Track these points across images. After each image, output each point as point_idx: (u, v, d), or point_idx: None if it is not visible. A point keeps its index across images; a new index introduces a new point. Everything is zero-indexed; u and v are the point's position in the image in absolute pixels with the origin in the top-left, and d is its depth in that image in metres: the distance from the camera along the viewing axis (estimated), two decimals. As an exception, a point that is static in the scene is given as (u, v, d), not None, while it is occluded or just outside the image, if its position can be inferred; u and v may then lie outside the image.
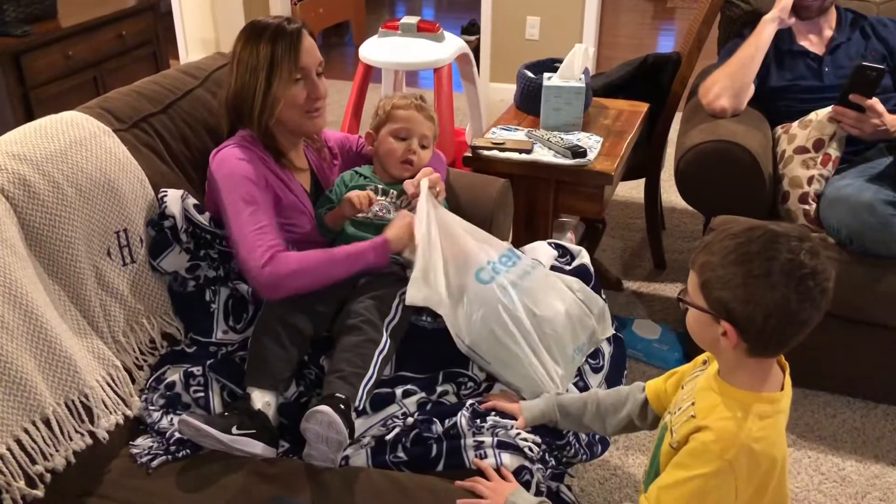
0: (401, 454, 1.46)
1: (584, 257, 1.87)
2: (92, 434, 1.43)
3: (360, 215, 1.80)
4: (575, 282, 1.74)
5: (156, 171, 1.73)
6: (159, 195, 1.69)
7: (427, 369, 1.62)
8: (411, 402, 1.55)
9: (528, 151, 2.28)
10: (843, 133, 2.20)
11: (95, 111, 1.72)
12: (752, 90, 2.39)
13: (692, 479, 1.15)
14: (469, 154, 2.33)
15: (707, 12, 2.65)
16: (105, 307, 1.57)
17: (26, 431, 1.32)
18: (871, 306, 2.11)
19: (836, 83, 2.33)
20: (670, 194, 3.25)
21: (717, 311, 1.13)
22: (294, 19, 1.73)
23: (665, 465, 1.23)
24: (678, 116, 2.72)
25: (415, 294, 1.62)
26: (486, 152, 2.30)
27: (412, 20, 3.04)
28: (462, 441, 1.46)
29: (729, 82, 2.37)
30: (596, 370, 1.74)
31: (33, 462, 1.31)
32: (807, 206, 2.19)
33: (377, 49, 3.02)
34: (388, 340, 1.61)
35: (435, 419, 1.49)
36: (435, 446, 1.46)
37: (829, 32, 2.46)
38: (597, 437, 1.66)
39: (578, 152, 2.23)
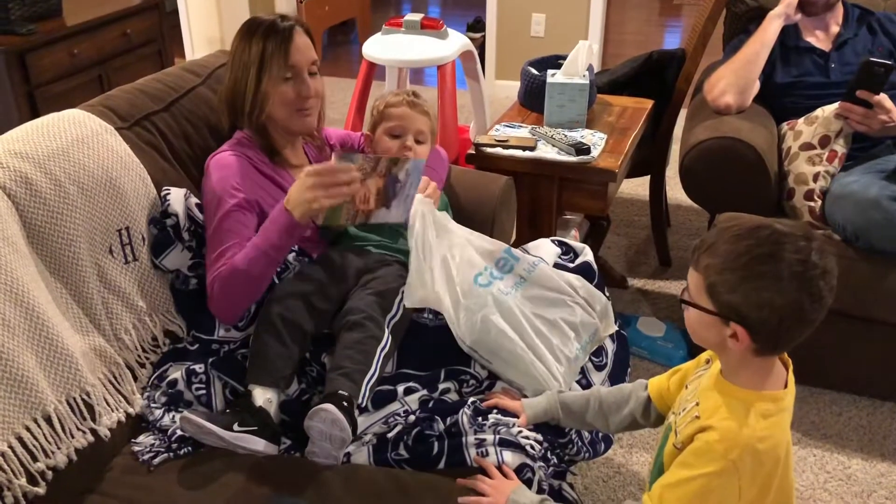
0: (402, 452, 1.46)
1: (587, 255, 1.86)
2: (94, 432, 1.43)
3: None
4: (576, 279, 1.73)
5: (158, 169, 1.73)
6: (162, 193, 1.70)
7: (429, 367, 1.61)
8: (413, 400, 1.55)
9: (532, 148, 2.27)
10: (849, 129, 2.19)
11: (97, 109, 1.72)
12: (757, 87, 2.38)
13: (696, 479, 1.15)
14: (472, 151, 2.32)
15: (712, 8, 2.64)
16: (107, 305, 1.57)
17: (27, 429, 1.32)
18: (876, 304, 2.09)
19: (842, 79, 2.32)
20: (675, 191, 3.24)
21: (726, 314, 1.12)
22: (289, 17, 1.73)
23: (669, 465, 1.22)
24: (683, 113, 2.71)
25: (411, 295, 1.63)
26: (489, 149, 2.29)
27: (416, 17, 3.03)
28: (464, 439, 1.45)
29: (734, 79, 2.35)
30: (599, 368, 1.73)
31: (35, 460, 1.32)
32: (812, 203, 2.17)
33: (380, 46, 3.02)
34: (390, 337, 1.61)
35: (437, 417, 1.49)
36: (436, 444, 1.45)
37: (835, 28, 2.44)
38: (600, 434, 1.65)
39: (582, 149, 2.22)
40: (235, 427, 1.44)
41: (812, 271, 1.08)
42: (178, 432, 1.48)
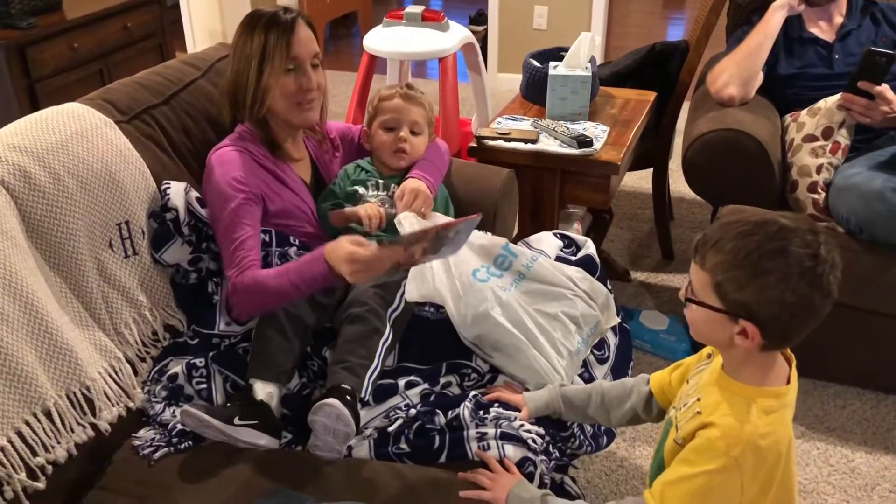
0: (404, 446, 1.46)
1: (589, 248, 1.85)
2: (94, 426, 1.43)
3: (360, 228, 1.81)
4: (577, 272, 1.73)
5: (157, 162, 1.73)
6: (162, 187, 1.69)
7: (430, 360, 1.61)
8: (414, 394, 1.54)
9: (534, 141, 2.26)
10: (852, 121, 2.17)
11: (97, 103, 1.71)
12: (760, 78, 2.36)
13: (697, 476, 1.14)
14: (474, 144, 2.31)
15: (715, 0, 2.62)
16: (107, 299, 1.56)
17: (27, 423, 1.32)
18: (881, 296, 2.08)
19: (846, 70, 2.30)
20: (678, 184, 3.22)
21: (736, 312, 1.10)
22: (292, 9, 1.72)
23: (669, 460, 1.21)
24: (686, 106, 2.70)
25: (412, 291, 1.63)
26: (491, 142, 2.28)
27: (416, 9, 3.01)
28: (465, 432, 1.45)
29: (737, 70, 2.34)
30: (601, 361, 1.72)
31: (34, 454, 1.32)
32: (816, 196, 2.16)
33: (381, 39, 3.00)
34: (392, 330, 1.60)
35: (438, 410, 1.48)
36: (438, 438, 1.45)
37: (839, 19, 2.42)
38: (602, 428, 1.65)
39: (584, 142, 2.21)
40: (236, 421, 1.44)
41: (821, 266, 1.07)
42: (179, 426, 1.47)
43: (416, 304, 1.68)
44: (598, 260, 1.82)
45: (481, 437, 1.43)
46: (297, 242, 1.73)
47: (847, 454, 2.08)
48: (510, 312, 1.60)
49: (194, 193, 1.70)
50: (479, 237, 1.76)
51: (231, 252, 1.63)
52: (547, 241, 1.87)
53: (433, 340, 1.64)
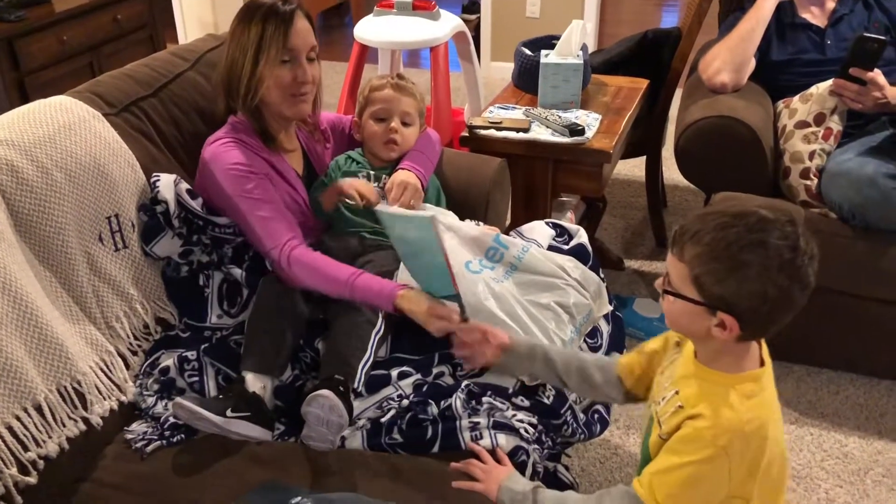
0: (396, 436, 1.46)
1: (581, 237, 1.85)
2: (86, 420, 1.43)
3: (351, 203, 1.80)
4: (568, 260, 1.72)
5: (147, 155, 1.72)
6: (151, 180, 1.68)
7: (423, 350, 1.60)
8: (407, 384, 1.54)
9: (526, 130, 2.26)
10: (844, 107, 2.17)
11: (85, 95, 1.70)
12: (752, 64, 2.36)
13: (685, 466, 1.14)
14: (466, 134, 2.30)
15: (707, -14, 2.61)
16: (97, 293, 1.56)
17: (18, 418, 1.31)
18: (873, 282, 2.09)
19: (838, 56, 2.29)
20: (672, 172, 3.21)
21: (715, 305, 1.10)
22: (291, 0, 1.70)
23: (655, 455, 1.22)
24: (679, 93, 2.69)
25: (405, 280, 1.62)
26: (482, 131, 2.27)
27: (408, -2, 3.00)
28: (458, 423, 1.45)
29: (729, 57, 2.33)
30: (594, 349, 1.72)
31: (26, 449, 1.31)
32: (808, 182, 2.16)
33: (372, 28, 2.99)
34: (384, 321, 1.60)
35: (430, 401, 1.48)
36: (430, 428, 1.45)
37: (831, 4, 2.41)
38: (595, 416, 1.65)
39: (576, 130, 2.20)
40: (229, 413, 1.43)
41: (801, 258, 1.07)
42: (171, 420, 1.47)
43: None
44: (590, 248, 1.82)
45: (474, 427, 1.43)
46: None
47: (840, 439, 2.08)
48: (503, 303, 1.60)
49: (184, 185, 1.68)
50: (470, 228, 1.75)
51: (265, 229, 1.63)
52: (539, 231, 1.86)
53: (425, 331, 1.63)
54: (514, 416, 1.46)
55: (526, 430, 1.44)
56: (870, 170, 1.98)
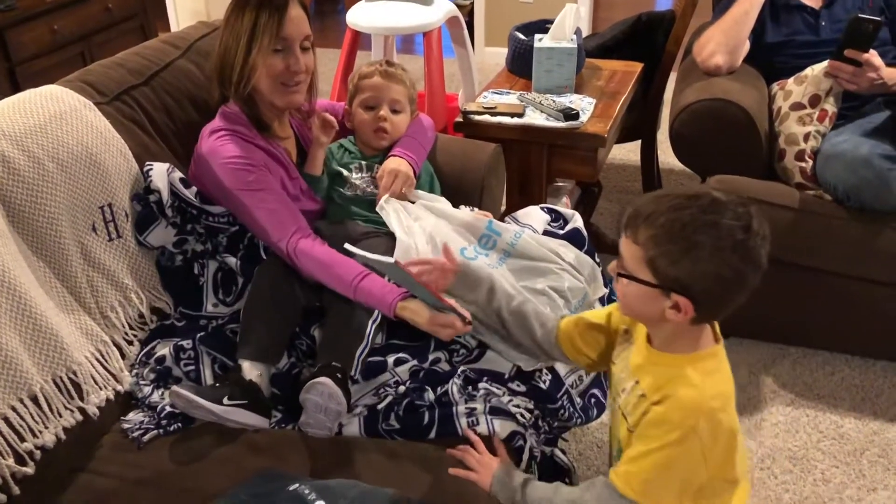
0: (393, 422, 1.46)
1: (577, 221, 1.85)
2: (82, 410, 1.42)
3: (349, 191, 1.81)
4: (562, 245, 1.72)
5: (139, 144, 1.71)
6: (144, 169, 1.67)
7: (419, 337, 1.60)
8: (403, 371, 1.54)
9: (520, 115, 2.25)
10: (839, 88, 2.16)
11: (76, 84, 1.69)
12: (747, 47, 2.35)
13: (657, 451, 1.14)
14: (460, 119, 2.29)
15: (701, -32, 2.60)
16: (92, 283, 1.55)
17: (14, 409, 1.31)
18: (869, 263, 2.09)
19: (832, 37, 2.28)
20: (667, 156, 3.21)
21: (669, 287, 1.10)
22: None
23: (627, 446, 1.21)
24: (674, 76, 2.68)
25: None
26: (477, 117, 2.27)
27: (400, -16, 2.98)
28: (454, 408, 1.45)
29: (723, 39, 2.32)
30: (590, 334, 1.72)
31: (22, 440, 1.31)
32: (803, 164, 2.15)
33: (364, 14, 2.97)
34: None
35: (427, 387, 1.48)
36: (427, 414, 1.45)
37: (825, -15, 2.40)
38: (592, 400, 1.65)
39: (571, 115, 2.20)
40: (225, 401, 1.43)
41: (753, 239, 1.07)
42: (168, 409, 1.47)
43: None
44: (585, 233, 1.82)
45: (470, 413, 1.43)
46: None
47: (836, 420, 2.09)
48: (502, 284, 1.59)
49: (178, 174, 1.68)
50: (463, 214, 1.75)
51: (271, 221, 1.62)
52: (534, 216, 1.86)
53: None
54: (511, 401, 1.46)
55: (522, 416, 1.44)
56: (865, 151, 1.98)
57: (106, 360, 1.51)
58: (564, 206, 2.13)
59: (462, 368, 1.52)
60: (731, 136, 2.18)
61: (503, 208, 2.31)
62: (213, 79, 1.75)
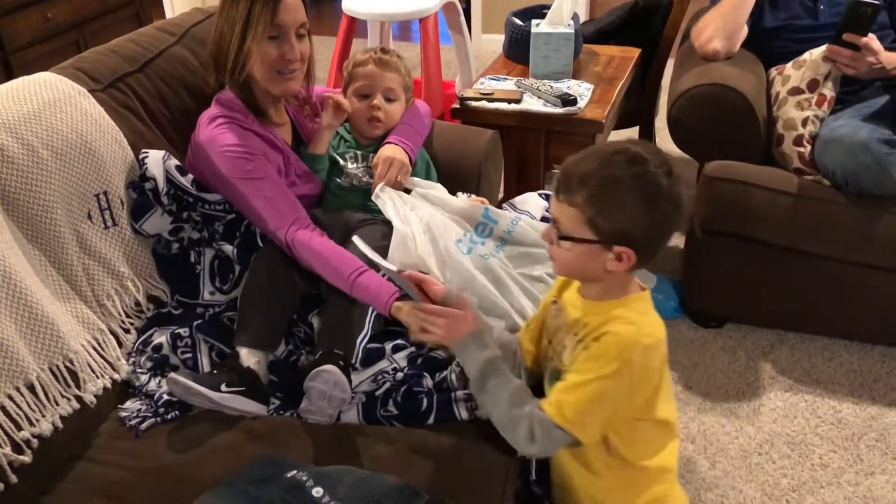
0: (392, 409, 1.46)
1: (574, 207, 1.84)
2: (79, 398, 1.42)
3: (345, 181, 1.80)
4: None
5: (134, 131, 1.69)
6: (140, 156, 1.66)
7: (417, 324, 1.60)
8: (401, 357, 1.54)
9: (518, 101, 2.24)
10: (837, 73, 2.15)
11: (70, 72, 1.68)
12: (745, 31, 2.34)
13: (592, 382, 1.19)
14: (457, 105, 2.28)
15: (699, -48, 2.58)
16: (88, 271, 1.54)
17: (10, 398, 1.31)
18: (867, 248, 2.08)
19: (831, 21, 2.27)
20: (665, 142, 3.19)
21: (611, 240, 1.16)
22: None
23: None
24: (671, 62, 2.67)
25: (395, 260, 1.62)
26: (474, 103, 2.26)
27: (396, -30, 2.96)
28: (453, 394, 1.45)
29: (721, 24, 2.31)
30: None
31: (19, 428, 1.31)
32: (801, 149, 2.15)
33: (360, 1, 2.96)
34: None
35: (425, 373, 1.48)
36: (426, 400, 1.45)
37: (823, -31, 2.39)
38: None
39: (568, 100, 2.19)
40: (223, 387, 1.43)
41: (676, 184, 1.16)
42: (165, 397, 1.47)
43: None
44: (583, 219, 1.81)
45: (469, 398, 1.43)
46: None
47: (834, 405, 2.09)
48: (495, 279, 1.60)
49: (173, 161, 1.66)
50: (458, 201, 1.74)
51: (269, 210, 1.61)
52: (532, 202, 1.85)
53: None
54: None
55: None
56: (863, 135, 1.97)
57: (102, 349, 1.51)
58: (562, 193, 2.12)
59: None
60: (729, 121, 2.17)
61: (501, 195, 2.30)
62: (208, 66, 1.73)
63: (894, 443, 1.98)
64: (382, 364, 1.54)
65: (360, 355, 1.52)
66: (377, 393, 1.48)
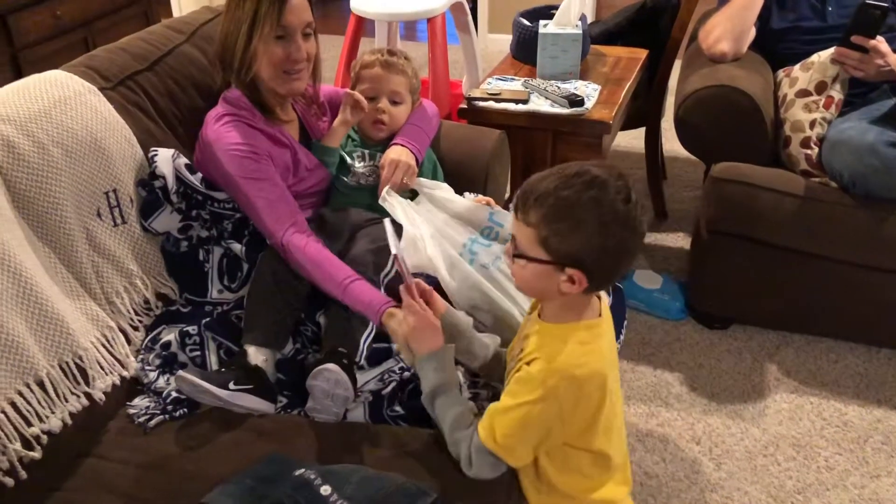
0: (398, 408, 1.46)
1: (581, 208, 1.84)
2: (88, 395, 1.43)
3: (352, 180, 1.81)
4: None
5: (143, 129, 1.70)
6: (150, 154, 1.67)
7: (423, 323, 1.60)
8: (408, 357, 1.54)
9: (525, 101, 2.24)
10: (845, 75, 2.15)
11: (80, 70, 1.68)
12: (753, 33, 2.34)
13: (519, 406, 1.20)
14: (464, 106, 2.29)
15: (707, -47, 2.58)
16: (97, 268, 1.55)
17: (20, 394, 1.31)
18: (874, 251, 2.08)
19: (839, 23, 2.27)
20: (672, 143, 3.20)
21: (563, 262, 1.16)
22: None
23: None
24: (679, 63, 2.67)
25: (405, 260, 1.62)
26: (481, 103, 2.26)
27: (404, -30, 2.97)
28: (459, 394, 1.45)
29: (729, 25, 2.31)
30: (595, 321, 1.72)
31: (29, 424, 1.31)
32: (809, 151, 2.15)
33: (368, 0, 2.96)
34: (386, 294, 1.59)
35: (432, 373, 1.48)
36: (432, 400, 1.45)
37: (832, -29, 2.39)
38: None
39: (576, 101, 2.19)
40: (231, 385, 1.43)
41: (634, 209, 1.15)
42: (174, 394, 1.47)
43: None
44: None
45: (474, 398, 1.43)
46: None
47: (840, 408, 2.09)
48: (499, 285, 1.60)
49: (183, 160, 1.67)
50: (465, 202, 1.75)
51: (268, 211, 1.62)
52: (539, 203, 1.85)
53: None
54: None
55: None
56: (871, 138, 1.97)
57: (111, 346, 1.51)
58: (569, 193, 2.12)
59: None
60: (737, 123, 2.17)
61: (507, 195, 2.31)
62: (214, 64, 1.74)
63: (900, 445, 1.98)
64: (389, 363, 1.54)
65: (365, 354, 1.53)
66: (384, 392, 1.48)
